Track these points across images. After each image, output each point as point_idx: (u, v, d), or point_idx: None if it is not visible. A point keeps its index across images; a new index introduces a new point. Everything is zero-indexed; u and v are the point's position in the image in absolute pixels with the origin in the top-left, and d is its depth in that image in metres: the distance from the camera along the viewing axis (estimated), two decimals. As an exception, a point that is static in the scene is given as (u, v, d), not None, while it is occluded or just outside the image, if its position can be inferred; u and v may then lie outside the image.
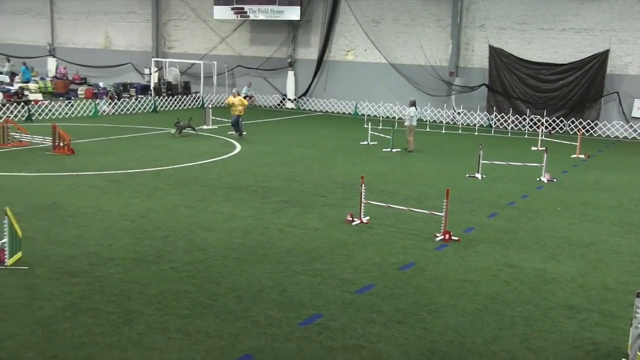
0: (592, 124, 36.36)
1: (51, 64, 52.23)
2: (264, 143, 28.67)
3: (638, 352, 9.02)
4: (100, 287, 11.37)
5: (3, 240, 12.31)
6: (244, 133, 30.57)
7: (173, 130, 30.31)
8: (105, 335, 9.53)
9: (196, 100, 44.12)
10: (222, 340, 9.42)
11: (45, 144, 25.49)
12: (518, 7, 37.63)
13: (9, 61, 51.65)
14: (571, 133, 35.19)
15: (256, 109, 43.54)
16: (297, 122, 37.88)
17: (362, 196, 16.03)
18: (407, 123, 28.81)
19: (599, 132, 36.25)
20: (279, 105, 45.39)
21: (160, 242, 14.01)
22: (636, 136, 35.45)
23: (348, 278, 12.16)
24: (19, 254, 12.62)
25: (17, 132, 26.60)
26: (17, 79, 46.12)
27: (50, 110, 35.76)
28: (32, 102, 36.99)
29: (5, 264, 12.18)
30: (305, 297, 11.17)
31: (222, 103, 43.51)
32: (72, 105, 37.15)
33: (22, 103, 36.46)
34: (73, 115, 36.16)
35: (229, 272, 12.27)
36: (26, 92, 40.31)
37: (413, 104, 29.12)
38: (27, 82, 43.98)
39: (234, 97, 30.78)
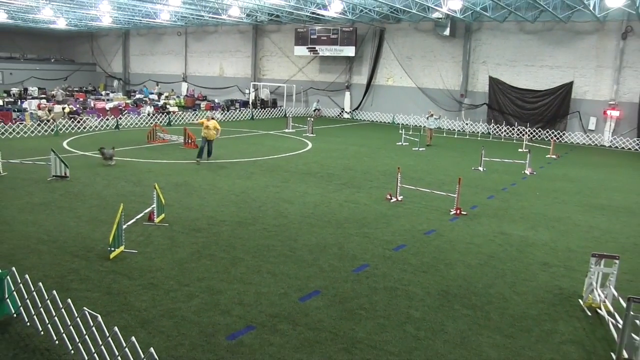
0: (561, 133, 35.50)
1: (184, 87, 53.06)
2: (328, 143, 28.63)
3: (590, 295, 8.98)
4: (215, 240, 11.54)
5: (153, 206, 12.57)
6: (209, 158, 21.36)
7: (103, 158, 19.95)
8: (219, 272, 9.69)
9: (280, 112, 44.19)
10: (299, 280, 9.47)
11: (179, 141, 25.90)
12: (510, 49, 36.88)
13: (157, 85, 52.73)
14: (546, 140, 34.40)
15: (323, 118, 43.45)
16: (352, 128, 37.72)
17: (398, 181, 15.91)
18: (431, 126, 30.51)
19: (566, 140, 35.34)
20: (338, 116, 45.25)
21: (256, 210, 14.13)
22: (591, 143, 34.63)
23: (387, 239, 12.10)
24: (163, 215, 12.89)
25: (161, 133, 27.12)
26: (155, 96, 47.08)
27: (182, 118, 36.29)
28: (171, 113, 37.63)
29: (155, 222, 12.44)
30: (357, 252, 11.15)
31: (305, 113, 43.71)
32: (196, 115, 37.68)
33: (165, 113, 37.12)
34: (197, 122, 36.55)
35: (304, 233, 12.31)
36: (167, 106, 41.04)
37: (432, 115, 30.66)
38: (147, 96, 45.52)
39: (208, 120, 21.51)
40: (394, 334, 7.72)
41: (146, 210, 12.90)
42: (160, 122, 33.44)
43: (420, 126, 37.24)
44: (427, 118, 30.97)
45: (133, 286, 8.93)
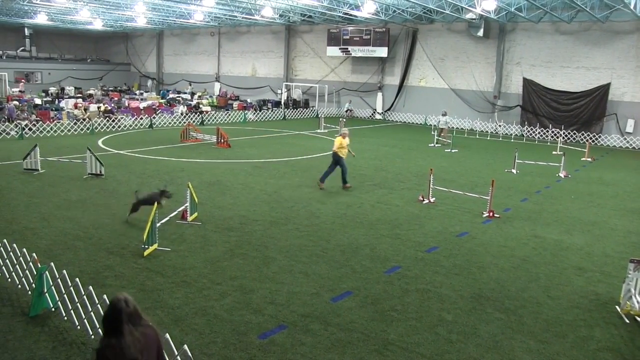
0: (597, 136, 34.83)
1: (217, 87, 53.56)
2: (360, 143, 28.51)
3: (628, 302, 8.76)
4: (248, 239, 11.60)
5: (186, 204, 12.71)
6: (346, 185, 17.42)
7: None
8: (251, 271, 9.75)
9: (312, 112, 44.27)
10: (331, 281, 9.47)
11: (211, 141, 26.13)
12: (545, 50, 36.31)
13: (190, 85, 53.31)
14: (581, 142, 33.76)
15: (355, 119, 43.39)
16: (384, 129, 37.59)
17: (430, 183, 15.80)
18: (442, 126, 30.55)
19: (602, 142, 34.64)
20: (370, 116, 45.12)
21: (288, 210, 14.17)
22: (628, 146, 33.86)
23: (419, 241, 12.02)
24: (196, 214, 13.01)
25: (194, 132, 27.40)
26: (188, 95, 47.60)
27: (215, 118, 36.60)
28: (204, 112, 37.98)
29: (188, 220, 12.58)
30: (389, 253, 11.10)
31: (336, 113, 43.71)
32: (229, 114, 37.99)
33: (198, 113, 37.50)
34: (230, 121, 36.92)
35: (335, 233, 12.31)
36: (200, 105, 41.47)
37: (445, 114, 30.86)
38: (163, 97, 46.04)
39: (344, 138, 17.42)
40: (426, 336, 7.66)
41: (180, 209, 13.05)
42: (194, 121, 33.80)
43: (453, 128, 37.03)
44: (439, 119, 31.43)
45: (166, 283, 9.05)
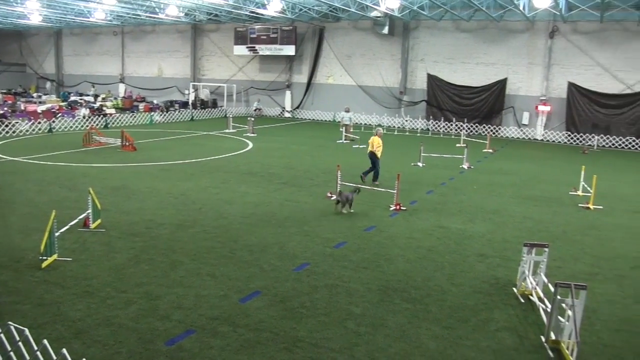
0: (497, 128, 36.59)
1: (121, 88, 51.92)
2: (269, 142, 28.54)
3: (523, 283, 9.33)
4: (154, 244, 11.32)
5: (88, 211, 12.22)
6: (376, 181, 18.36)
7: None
8: (157, 277, 9.51)
9: (221, 112, 43.76)
10: (239, 281, 9.41)
11: (116, 144, 25.25)
12: (447, 47, 37.74)
13: (93, 87, 51.33)
14: (483, 134, 35.34)
15: (264, 118, 43.35)
16: (293, 127, 37.75)
17: (339, 179, 16.00)
18: (347, 122, 30.37)
19: (501, 134, 36.47)
20: (279, 115, 45.19)
21: (195, 212, 13.94)
22: (525, 137, 35.88)
23: (328, 237, 12.15)
24: (99, 221, 12.53)
25: (97, 136, 26.37)
26: (91, 97, 45.80)
27: (120, 120, 35.43)
28: (108, 115, 36.66)
29: (90, 228, 12.10)
30: (298, 250, 11.16)
31: (245, 113, 43.38)
32: (134, 117, 36.88)
33: (102, 115, 36.13)
34: (136, 123, 35.87)
35: (244, 233, 12.23)
36: (104, 108, 39.98)
37: (348, 110, 30.86)
38: (65, 100, 43.66)
39: (380, 137, 18.39)
40: (335, 330, 7.76)
41: (81, 216, 12.52)
42: (97, 124, 32.52)
43: (361, 124, 37.76)
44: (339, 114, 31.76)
45: (67, 295, 8.65)
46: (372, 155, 18.20)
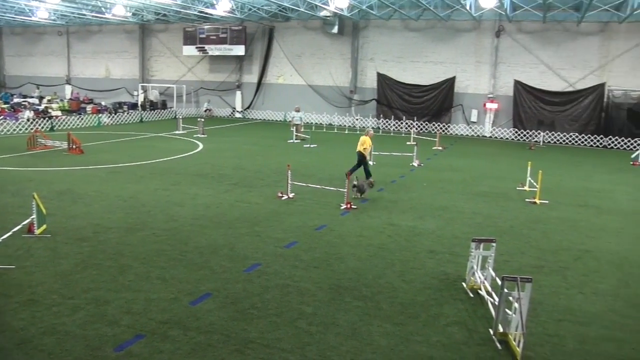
0: (446, 126, 37.26)
1: (68, 90, 50.52)
2: (220, 142, 28.32)
3: (471, 278, 9.51)
4: (102, 248, 11.07)
5: (33, 217, 11.86)
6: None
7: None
8: (106, 282, 9.30)
9: (171, 113, 43.17)
10: (189, 284, 9.29)
11: (62, 147, 24.58)
12: (396, 46, 38.23)
13: (38, 88, 49.82)
14: (433, 132, 35.93)
15: (214, 119, 43.00)
16: (244, 127, 37.55)
17: (289, 178, 16.00)
18: (297, 122, 30.56)
19: (451, 132, 37.16)
20: (230, 115, 44.89)
21: (145, 215, 13.70)
22: (473, 134, 36.67)
23: (279, 237, 12.13)
24: (44, 226, 12.17)
25: (42, 139, 25.61)
26: (36, 99, 44.47)
27: (66, 123, 34.50)
28: (54, 117, 35.67)
29: (35, 234, 11.75)
30: (249, 251, 11.10)
31: (196, 113, 42.87)
32: (82, 119, 36.01)
33: (47, 118, 35.11)
34: (83, 126, 35.03)
35: (194, 235, 12.09)
36: (50, 110, 38.86)
37: (298, 110, 31.10)
38: (6, 103, 41.56)
39: (370, 137, 18.58)
40: (287, 330, 7.76)
41: (25, 222, 12.14)
42: (42, 127, 31.59)
43: (312, 123, 37.85)
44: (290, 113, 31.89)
45: (9, 304, 8.36)
46: (360, 155, 18.27)
